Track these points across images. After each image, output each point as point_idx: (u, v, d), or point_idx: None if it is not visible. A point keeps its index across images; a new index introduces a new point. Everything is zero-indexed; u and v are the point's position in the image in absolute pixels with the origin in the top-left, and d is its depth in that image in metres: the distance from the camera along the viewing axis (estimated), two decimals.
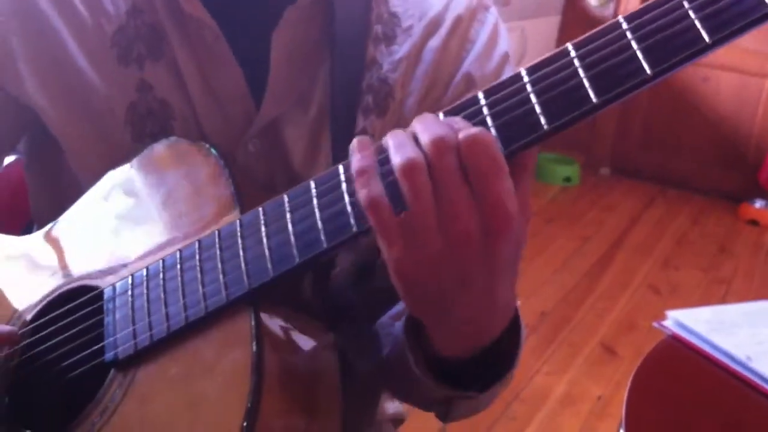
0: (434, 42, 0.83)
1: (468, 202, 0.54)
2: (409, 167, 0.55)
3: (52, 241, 0.83)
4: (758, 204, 3.94)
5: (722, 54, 3.95)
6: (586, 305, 3.03)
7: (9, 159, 1.09)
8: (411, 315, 0.67)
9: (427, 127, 0.56)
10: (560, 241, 3.56)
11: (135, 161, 0.78)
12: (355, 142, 0.59)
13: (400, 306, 0.81)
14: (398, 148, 0.56)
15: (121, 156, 0.79)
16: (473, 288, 0.58)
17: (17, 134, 0.90)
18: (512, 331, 0.67)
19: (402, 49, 0.83)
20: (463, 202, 0.54)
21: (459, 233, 0.55)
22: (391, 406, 1.07)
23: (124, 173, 0.79)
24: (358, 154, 0.58)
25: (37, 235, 0.85)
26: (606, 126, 4.35)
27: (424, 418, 0.85)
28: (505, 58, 0.85)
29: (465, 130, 0.55)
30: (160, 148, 0.77)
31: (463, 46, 0.84)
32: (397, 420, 1.08)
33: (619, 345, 2.78)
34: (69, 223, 0.82)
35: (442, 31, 0.83)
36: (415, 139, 0.56)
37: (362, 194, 0.56)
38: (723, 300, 3.11)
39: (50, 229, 0.84)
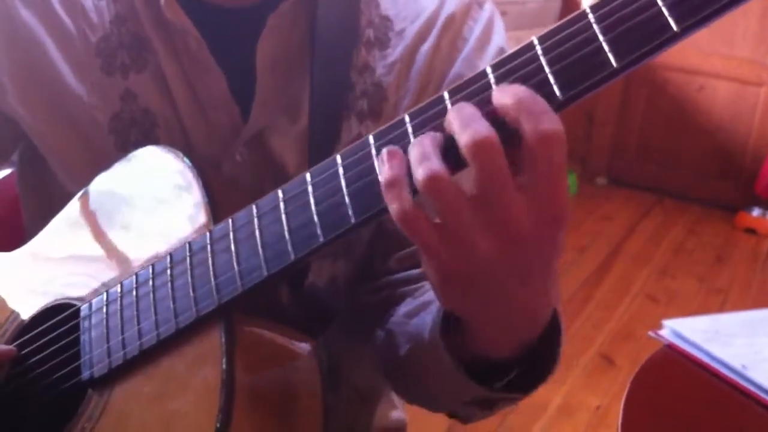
0: (427, 43, 0.82)
1: (521, 201, 0.51)
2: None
3: (33, 257, 0.82)
4: (755, 212, 3.92)
5: (718, 62, 3.97)
6: (583, 315, 3.01)
7: (4, 173, 1.08)
8: (447, 315, 0.63)
9: (469, 121, 0.51)
10: None
11: (110, 171, 0.77)
12: (384, 152, 0.54)
13: (413, 303, 0.78)
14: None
15: (106, 166, 0.78)
16: (533, 281, 0.55)
17: (8, 147, 0.89)
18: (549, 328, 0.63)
19: (395, 52, 0.82)
20: (517, 203, 0.51)
21: (513, 233, 0.51)
22: (393, 413, 1.05)
23: (101, 184, 0.78)
24: (386, 164, 0.54)
25: (21, 251, 0.84)
26: (602, 136, 4.34)
27: (425, 428, 0.82)
28: (500, 53, 0.83)
29: (535, 123, 0.50)
30: (134, 158, 0.76)
31: (455, 46, 0.82)
32: (398, 429, 1.06)
33: (617, 354, 2.76)
34: (49, 238, 0.81)
35: (435, 31, 0.82)
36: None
37: (394, 209, 0.53)
38: (721, 309, 3.09)
39: (31, 245, 0.83)
